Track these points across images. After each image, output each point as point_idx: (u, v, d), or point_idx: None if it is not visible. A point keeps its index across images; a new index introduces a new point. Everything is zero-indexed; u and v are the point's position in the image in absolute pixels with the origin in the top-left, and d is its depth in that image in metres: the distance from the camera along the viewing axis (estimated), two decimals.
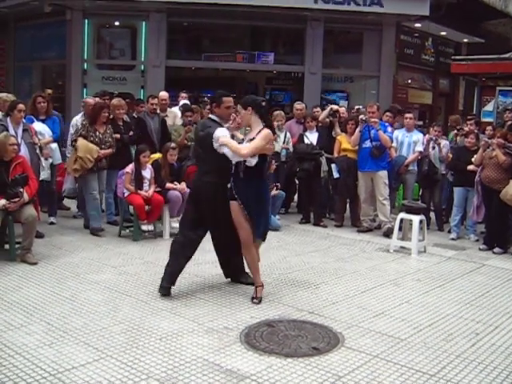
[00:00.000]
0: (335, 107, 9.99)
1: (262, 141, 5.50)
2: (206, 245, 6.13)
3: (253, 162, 5.52)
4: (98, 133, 8.23)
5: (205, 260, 6.83)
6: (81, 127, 8.30)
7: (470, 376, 4.21)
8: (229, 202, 5.63)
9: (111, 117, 8.97)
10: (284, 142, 9.75)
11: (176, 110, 10.69)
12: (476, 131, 9.32)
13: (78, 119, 9.05)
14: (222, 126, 5.72)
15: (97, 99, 9.16)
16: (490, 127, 10.04)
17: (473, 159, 8.46)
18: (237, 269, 6.19)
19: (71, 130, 9.02)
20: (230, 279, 6.26)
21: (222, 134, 5.54)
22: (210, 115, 6.00)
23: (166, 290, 5.73)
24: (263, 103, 5.75)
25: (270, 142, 5.65)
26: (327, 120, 9.82)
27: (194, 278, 6.18)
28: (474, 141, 8.81)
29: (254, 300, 5.64)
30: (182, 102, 10.95)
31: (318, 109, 10.61)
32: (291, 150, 9.65)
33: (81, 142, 8.08)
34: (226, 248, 6.05)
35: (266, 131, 5.57)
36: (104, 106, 8.43)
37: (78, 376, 3.96)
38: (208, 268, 6.56)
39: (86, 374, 4.00)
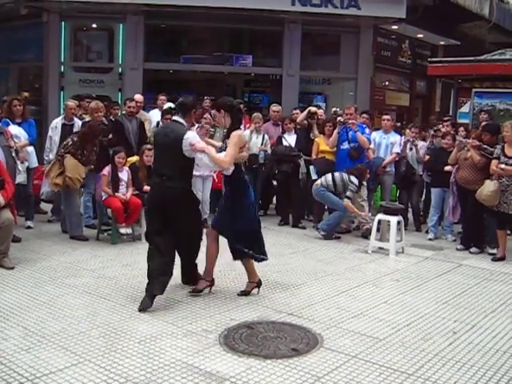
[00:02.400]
0: (313, 109, 10.04)
1: (235, 146, 5.50)
2: None
3: (229, 170, 5.56)
4: (85, 152, 8.13)
5: None
6: (71, 143, 8.08)
7: (447, 375, 4.25)
8: (192, 206, 5.67)
9: (88, 119, 8.95)
10: (262, 144, 9.77)
11: (152, 112, 10.65)
12: (452, 132, 9.42)
13: (57, 121, 8.98)
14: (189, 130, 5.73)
15: (72, 103, 9.12)
16: (461, 128, 10.16)
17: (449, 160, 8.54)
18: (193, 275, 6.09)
19: (50, 133, 8.96)
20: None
21: (195, 140, 5.49)
22: (175, 117, 5.80)
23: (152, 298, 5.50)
24: (237, 105, 5.74)
25: (243, 147, 5.65)
26: (305, 122, 9.86)
27: (172, 281, 6.14)
28: (450, 142, 8.89)
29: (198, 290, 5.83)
30: (167, 105, 10.92)
31: (298, 111, 10.64)
32: (269, 151, 9.67)
33: (70, 160, 7.94)
34: (185, 253, 5.99)
35: (234, 134, 5.56)
36: (101, 131, 8.38)
37: (55, 381, 3.93)
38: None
39: (63, 378, 3.97)
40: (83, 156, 8.08)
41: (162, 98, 11.41)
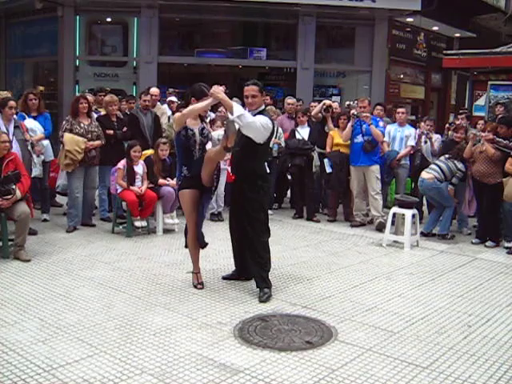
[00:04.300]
0: (328, 102, 10.01)
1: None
2: None
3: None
4: (82, 124, 8.22)
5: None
6: (65, 123, 8.30)
7: (462, 368, 4.24)
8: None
9: (104, 113, 9.02)
10: (275, 137, 9.75)
11: (165, 106, 10.70)
12: (464, 124, 9.34)
13: None
14: None
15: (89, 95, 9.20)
16: (481, 121, 10.06)
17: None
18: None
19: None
20: (223, 275, 6.29)
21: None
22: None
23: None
24: (197, 87, 5.79)
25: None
26: (320, 115, 9.84)
27: (188, 274, 6.19)
28: (463, 136, 8.83)
29: (199, 286, 5.88)
30: (169, 99, 10.97)
31: (315, 103, 10.61)
32: (283, 145, 9.66)
33: (66, 136, 8.08)
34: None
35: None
36: (80, 98, 8.44)
37: (72, 372, 3.97)
38: (202, 264, 6.55)
39: (80, 369, 4.01)
40: (80, 129, 8.17)
41: (171, 91, 11.49)
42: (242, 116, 5.37)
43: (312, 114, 9.92)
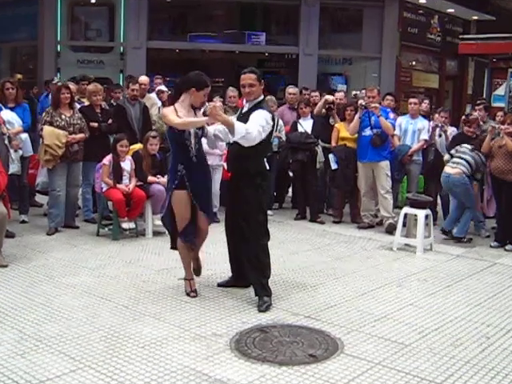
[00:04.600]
0: (330, 98, 10.00)
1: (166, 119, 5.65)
2: None
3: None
4: (63, 116, 8.23)
5: None
6: (44, 114, 8.31)
7: None
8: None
9: (87, 103, 9.02)
10: (276, 131, 9.74)
11: (154, 95, 10.71)
12: (479, 116, 9.31)
13: None
14: None
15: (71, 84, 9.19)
16: (500, 113, 10.06)
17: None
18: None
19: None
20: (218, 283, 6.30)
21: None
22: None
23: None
24: (199, 77, 5.78)
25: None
26: (323, 111, 9.86)
27: (180, 281, 6.19)
28: (476, 130, 8.84)
29: (192, 294, 5.89)
30: (158, 88, 10.96)
31: (317, 93, 10.61)
32: (284, 138, 9.66)
33: (46, 129, 8.11)
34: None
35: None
36: (61, 87, 8.45)
37: None
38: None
39: None
40: (62, 121, 8.19)
41: (158, 81, 11.45)
42: (243, 137, 5.41)
43: (314, 112, 9.90)
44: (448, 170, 8.49)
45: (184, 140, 5.65)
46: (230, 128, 5.43)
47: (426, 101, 10.11)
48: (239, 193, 5.77)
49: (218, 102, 5.62)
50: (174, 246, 6.03)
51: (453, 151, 8.61)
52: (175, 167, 5.73)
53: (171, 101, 5.90)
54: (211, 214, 6.09)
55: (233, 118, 5.74)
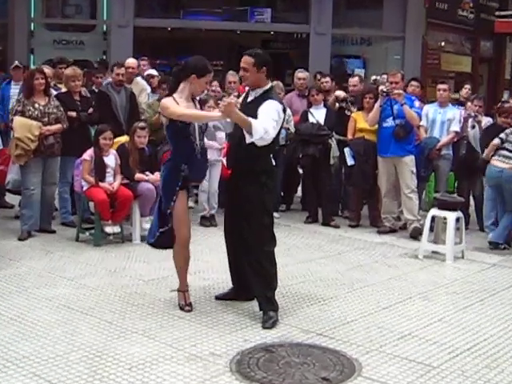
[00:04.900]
0: (341, 95, 9.99)
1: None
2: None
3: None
4: (37, 105, 8.24)
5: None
6: (15, 104, 8.33)
7: None
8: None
9: (65, 90, 9.02)
10: (284, 122, 9.75)
11: (143, 81, 10.72)
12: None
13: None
14: None
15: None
16: None
17: None
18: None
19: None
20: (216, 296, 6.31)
21: None
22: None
23: None
24: (200, 61, 5.82)
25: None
26: (337, 105, 9.89)
27: (172, 293, 6.19)
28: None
29: (187, 308, 5.88)
30: (148, 72, 10.97)
31: (328, 79, 10.62)
32: (292, 130, 9.66)
33: (17, 120, 8.12)
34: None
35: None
36: (35, 72, 8.46)
37: None
38: (191, 280, 6.56)
39: None
40: (35, 110, 8.19)
41: (143, 62, 11.45)
42: (264, 136, 5.43)
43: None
44: (498, 163, 8.46)
45: (189, 135, 5.66)
46: (247, 128, 5.43)
47: (467, 86, 10.08)
48: (240, 192, 5.77)
49: (232, 97, 5.58)
50: (167, 245, 6.05)
51: (503, 135, 8.54)
52: (178, 167, 5.73)
53: (169, 91, 5.87)
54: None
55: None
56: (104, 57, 14.61)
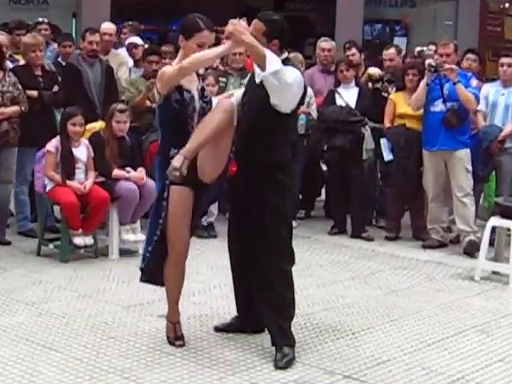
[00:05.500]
0: (376, 73, 9.99)
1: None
2: None
3: None
4: None
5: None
6: None
7: None
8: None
9: (24, 62, 9.05)
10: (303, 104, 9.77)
11: (124, 52, 10.76)
12: None
13: None
14: None
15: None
16: None
17: None
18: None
19: None
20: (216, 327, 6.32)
21: None
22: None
23: None
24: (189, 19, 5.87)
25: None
26: (370, 85, 9.91)
27: (159, 320, 6.22)
28: None
29: (178, 342, 5.84)
30: (130, 40, 11.01)
31: (354, 50, 10.62)
32: (315, 116, 9.67)
33: None
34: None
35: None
36: None
37: None
38: (183, 305, 6.57)
39: None
40: None
41: (126, 30, 11.50)
42: (278, 73, 5.38)
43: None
44: None
45: (186, 118, 5.67)
46: (260, 58, 5.40)
47: (508, 59, 10.04)
48: (251, 194, 5.76)
49: (242, 21, 5.53)
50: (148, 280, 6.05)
51: None
52: (166, 154, 5.69)
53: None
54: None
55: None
56: (74, 20, 14.68)
